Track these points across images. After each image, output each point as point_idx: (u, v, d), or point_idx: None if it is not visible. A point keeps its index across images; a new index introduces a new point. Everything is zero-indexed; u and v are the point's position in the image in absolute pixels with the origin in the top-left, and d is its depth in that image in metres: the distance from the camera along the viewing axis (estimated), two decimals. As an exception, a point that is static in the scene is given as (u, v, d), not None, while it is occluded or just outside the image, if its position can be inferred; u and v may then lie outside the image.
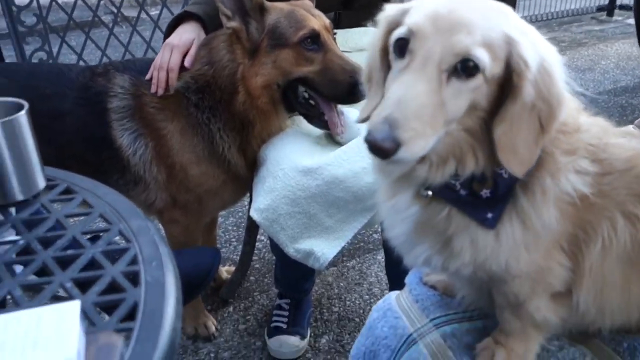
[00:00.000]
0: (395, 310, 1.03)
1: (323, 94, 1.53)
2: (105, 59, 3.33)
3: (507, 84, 0.72)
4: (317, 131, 1.68)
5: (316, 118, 1.60)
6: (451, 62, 0.70)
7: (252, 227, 2.07)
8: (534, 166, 0.75)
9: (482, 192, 0.77)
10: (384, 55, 0.81)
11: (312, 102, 1.57)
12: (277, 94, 1.54)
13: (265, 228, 1.60)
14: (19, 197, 0.93)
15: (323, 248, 1.57)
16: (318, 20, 1.54)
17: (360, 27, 1.91)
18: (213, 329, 1.94)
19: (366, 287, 2.16)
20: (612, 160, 0.78)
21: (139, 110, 1.60)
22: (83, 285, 0.75)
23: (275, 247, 1.75)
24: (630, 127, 0.94)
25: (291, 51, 1.50)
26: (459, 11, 0.71)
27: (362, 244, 2.41)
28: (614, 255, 0.78)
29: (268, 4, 1.52)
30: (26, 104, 0.92)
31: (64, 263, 0.79)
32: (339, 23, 1.91)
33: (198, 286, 1.76)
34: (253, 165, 1.69)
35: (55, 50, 3.22)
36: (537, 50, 0.72)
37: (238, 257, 2.18)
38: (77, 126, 1.61)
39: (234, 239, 2.46)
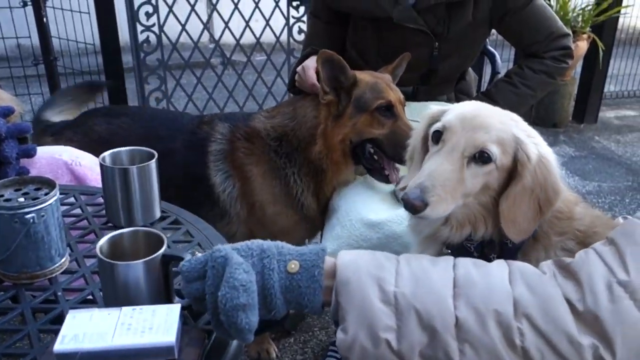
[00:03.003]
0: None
1: (387, 153, 1.79)
2: (211, 101, 3.75)
3: (513, 172, 0.97)
4: (385, 190, 1.91)
5: (377, 172, 1.85)
6: (472, 151, 0.96)
7: (320, 268, 2.31)
8: (533, 240, 0.98)
9: (491, 256, 0.98)
10: (425, 141, 1.08)
11: (375, 157, 1.82)
12: (348, 148, 1.81)
13: (329, 270, 1.83)
14: (140, 223, 1.23)
15: (378, 295, 1.78)
16: (394, 94, 1.80)
17: (434, 101, 2.13)
18: (274, 355, 2.17)
19: (418, 337, 2.32)
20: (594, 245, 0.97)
21: (231, 154, 1.89)
22: (182, 295, 1.02)
23: (337, 288, 1.97)
24: None
25: (369, 116, 1.76)
26: (481, 116, 0.98)
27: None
28: None
29: (359, 77, 1.79)
30: (156, 154, 1.23)
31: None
32: (416, 96, 2.15)
33: (266, 328, 2.00)
34: (324, 208, 1.95)
35: (170, 87, 3.67)
36: (538, 149, 0.96)
37: (305, 294, 2.41)
38: (182, 163, 1.92)
39: (303, 277, 2.70)
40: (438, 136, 1.00)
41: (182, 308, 0.94)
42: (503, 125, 0.97)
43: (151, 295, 0.92)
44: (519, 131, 0.97)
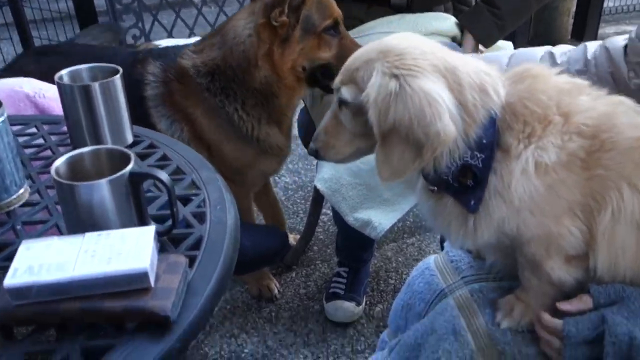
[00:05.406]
0: (432, 268, 1.13)
1: None
2: (193, 38, 3.54)
3: None
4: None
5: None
6: (336, 96, 0.95)
7: (318, 199, 2.20)
8: (501, 154, 0.87)
9: (468, 182, 0.88)
10: None
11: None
12: (302, 75, 1.63)
13: (328, 197, 1.72)
14: (111, 148, 1.09)
15: (380, 219, 1.67)
16: (337, 9, 1.62)
17: (430, 12, 1.96)
18: (275, 291, 2.08)
19: (424, 264, 2.24)
20: (616, 139, 0.84)
21: (169, 98, 1.67)
22: (161, 221, 0.89)
23: (337, 217, 1.86)
24: None
25: (316, 38, 1.58)
26: (353, 58, 0.93)
27: (423, 222, 2.48)
28: (624, 222, 0.84)
29: None
30: (121, 69, 1.08)
31: (148, 202, 0.93)
32: (410, 7, 1.97)
33: (266, 262, 1.92)
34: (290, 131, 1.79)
35: (147, 27, 3.45)
36: (392, 83, 0.83)
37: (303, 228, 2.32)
38: None
39: (301, 211, 2.59)
40: None
41: (160, 233, 0.82)
42: (360, 63, 0.90)
43: (121, 221, 0.79)
44: (384, 65, 0.85)
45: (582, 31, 5.02)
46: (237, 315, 2.00)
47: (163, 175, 0.79)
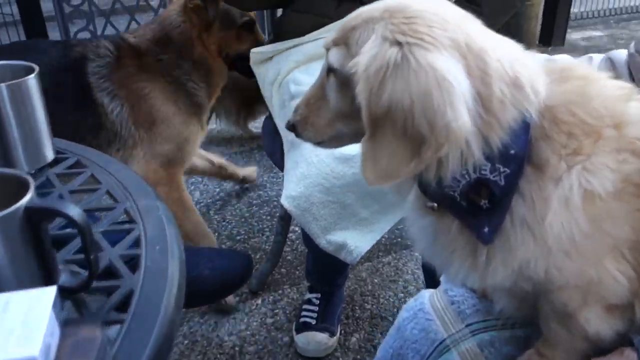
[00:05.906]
0: (427, 311, 0.92)
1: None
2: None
3: None
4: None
5: None
6: (325, 60, 0.75)
7: (285, 217, 1.98)
8: (533, 170, 0.66)
9: (482, 203, 0.68)
10: None
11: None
12: (228, 60, 1.92)
13: (296, 217, 1.51)
14: (24, 168, 0.86)
15: (356, 241, 1.48)
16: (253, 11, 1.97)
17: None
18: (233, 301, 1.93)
19: (401, 285, 2.04)
20: None
21: (116, 73, 1.77)
22: (82, 268, 0.67)
23: (307, 238, 1.66)
24: None
25: (236, 31, 1.89)
26: (351, 17, 0.73)
27: (399, 239, 2.29)
28: None
29: None
30: (37, 68, 0.85)
31: (60, 243, 0.71)
32: (384, 4, 1.81)
33: (228, 291, 1.73)
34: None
35: (99, 31, 3.20)
36: (393, 54, 0.63)
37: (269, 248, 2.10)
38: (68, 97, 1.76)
39: (267, 229, 2.38)
40: None
41: (70, 290, 0.60)
42: (364, 22, 0.69)
43: (16, 275, 0.56)
44: (387, 28, 0.65)
45: (550, 36, 4.97)
46: (196, 352, 1.76)
47: (73, 210, 0.57)
